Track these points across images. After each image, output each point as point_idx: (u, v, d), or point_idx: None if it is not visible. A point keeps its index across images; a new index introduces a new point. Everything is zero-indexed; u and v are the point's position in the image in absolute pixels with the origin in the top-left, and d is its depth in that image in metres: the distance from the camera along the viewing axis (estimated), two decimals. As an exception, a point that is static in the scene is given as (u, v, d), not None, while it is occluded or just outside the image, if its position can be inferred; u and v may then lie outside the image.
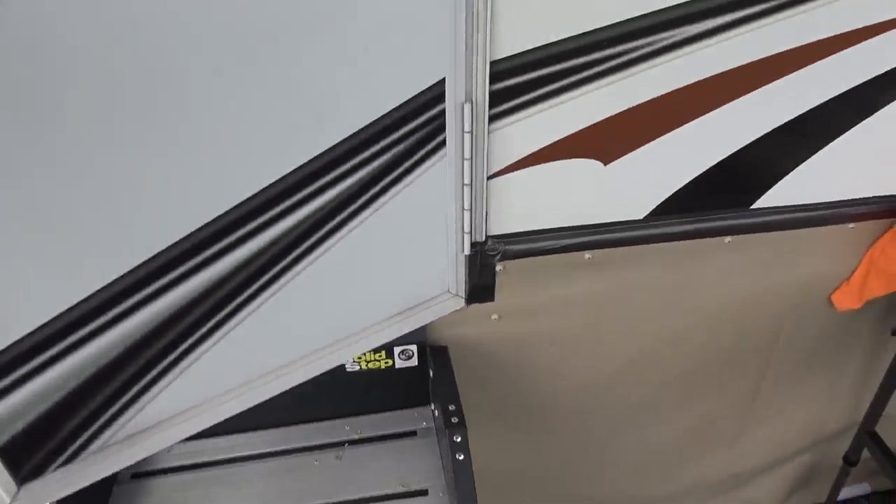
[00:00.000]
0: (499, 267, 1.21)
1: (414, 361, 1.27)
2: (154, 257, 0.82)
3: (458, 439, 1.05)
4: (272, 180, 0.87)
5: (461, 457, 1.04)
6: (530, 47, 0.97)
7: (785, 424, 1.73)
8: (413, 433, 1.28)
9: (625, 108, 1.07)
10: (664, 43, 1.02)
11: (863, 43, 1.09)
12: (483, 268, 1.20)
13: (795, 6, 1.03)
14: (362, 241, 0.99)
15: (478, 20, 0.90)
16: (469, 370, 1.29)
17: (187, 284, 0.86)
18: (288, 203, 0.90)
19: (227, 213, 0.85)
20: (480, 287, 1.23)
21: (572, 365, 1.42)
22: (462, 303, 1.23)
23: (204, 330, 0.91)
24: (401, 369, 1.28)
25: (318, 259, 0.97)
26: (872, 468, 1.85)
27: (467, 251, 1.15)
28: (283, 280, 0.95)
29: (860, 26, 1.08)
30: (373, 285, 1.08)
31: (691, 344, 1.45)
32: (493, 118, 1.02)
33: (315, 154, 0.89)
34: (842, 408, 1.70)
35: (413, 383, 1.30)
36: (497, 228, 1.17)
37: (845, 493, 1.92)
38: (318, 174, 0.90)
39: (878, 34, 1.09)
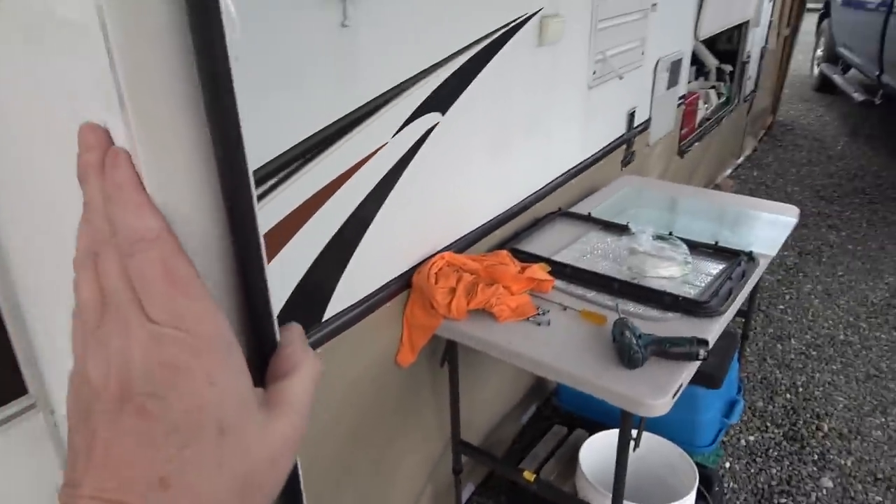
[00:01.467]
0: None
1: None
2: None
3: None
4: None
5: None
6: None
7: (408, 472, 2.12)
8: None
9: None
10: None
11: (353, 176, 1.55)
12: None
13: (314, 159, 1.41)
14: None
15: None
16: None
17: None
18: None
19: None
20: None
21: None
22: None
23: None
24: None
25: None
26: (468, 470, 2.42)
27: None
28: None
29: (353, 164, 1.53)
30: None
31: (336, 433, 1.71)
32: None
33: None
34: (436, 435, 2.19)
35: None
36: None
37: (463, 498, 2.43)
38: None
39: (363, 165, 1.56)
